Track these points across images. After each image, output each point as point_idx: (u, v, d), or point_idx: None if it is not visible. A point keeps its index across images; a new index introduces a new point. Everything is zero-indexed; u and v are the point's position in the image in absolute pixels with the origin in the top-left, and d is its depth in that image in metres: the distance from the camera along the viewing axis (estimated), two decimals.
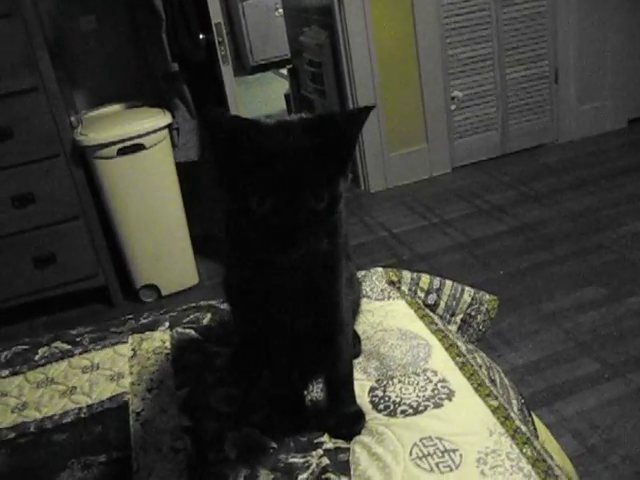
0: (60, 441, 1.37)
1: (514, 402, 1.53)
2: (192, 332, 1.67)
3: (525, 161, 4.27)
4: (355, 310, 1.46)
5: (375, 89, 3.94)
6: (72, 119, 3.12)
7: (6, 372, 1.63)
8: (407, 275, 1.79)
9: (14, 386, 1.58)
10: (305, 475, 1.16)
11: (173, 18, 3.09)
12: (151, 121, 3.04)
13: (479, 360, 1.55)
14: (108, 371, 1.57)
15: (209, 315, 1.73)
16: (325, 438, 1.25)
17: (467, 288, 1.80)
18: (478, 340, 1.80)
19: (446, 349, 1.46)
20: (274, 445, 1.25)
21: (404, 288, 1.75)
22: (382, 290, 1.70)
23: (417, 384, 1.33)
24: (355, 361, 1.42)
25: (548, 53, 4.23)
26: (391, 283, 1.76)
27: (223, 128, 1.00)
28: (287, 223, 0.98)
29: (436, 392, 1.30)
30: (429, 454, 1.15)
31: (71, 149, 2.96)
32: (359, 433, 1.25)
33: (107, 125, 3.07)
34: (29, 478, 1.30)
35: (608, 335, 2.54)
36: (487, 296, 1.81)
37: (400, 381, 1.35)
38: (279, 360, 1.29)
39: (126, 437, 1.35)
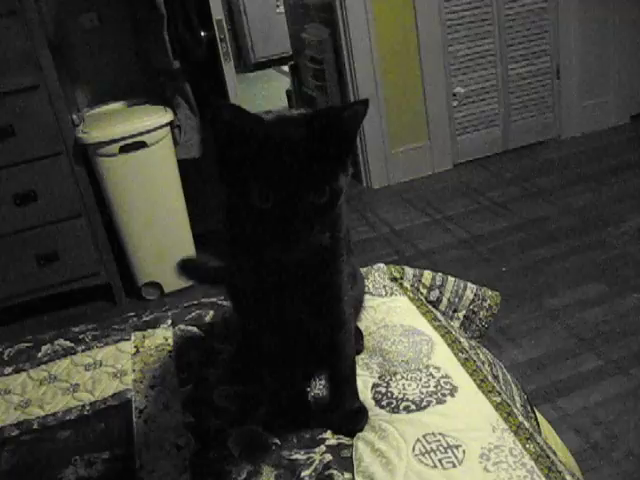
0: (63, 438, 1.37)
1: (517, 398, 1.53)
2: (194, 329, 1.67)
3: (527, 157, 4.27)
4: (358, 306, 1.46)
5: (377, 86, 3.94)
6: (74, 117, 3.12)
7: (9, 369, 1.63)
8: (409, 271, 1.79)
9: (17, 383, 1.58)
10: (308, 471, 1.16)
11: (174, 15, 3.09)
12: (153, 119, 3.04)
13: (482, 356, 1.55)
14: (111, 368, 1.57)
15: (211, 312, 1.73)
16: (328, 434, 1.25)
17: (469, 284, 1.80)
18: (481, 336, 1.80)
19: (449, 345, 1.46)
20: (277, 441, 1.25)
21: (406, 284, 1.75)
22: (384, 286, 1.70)
23: (420, 380, 1.33)
24: (358, 357, 1.42)
25: (550, 49, 4.22)
26: (393, 279, 1.76)
27: (225, 120, 1.00)
28: (288, 217, 0.98)
29: (439, 388, 1.30)
30: (432, 450, 1.15)
31: (73, 147, 2.96)
32: (362, 429, 1.24)
33: (109, 123, 3.07)
34: (32, 475, 1.30)
35: (611, 331, 2.54)
36: (489, 292, 1.81)
37: (403, 377, 1.35)
38: (281, 357, 1.29)
39: (129, 434, 1.35)
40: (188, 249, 3.30)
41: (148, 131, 3.01)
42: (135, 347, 1.63)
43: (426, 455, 1.14)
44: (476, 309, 1.77)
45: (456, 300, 1.76)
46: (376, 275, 1.75)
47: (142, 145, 3.01)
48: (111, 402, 1.46)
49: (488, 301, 1.79)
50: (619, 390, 2.25)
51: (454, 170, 4.25)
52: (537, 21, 4.13)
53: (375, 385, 1.35)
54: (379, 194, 4.11)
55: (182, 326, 1.69)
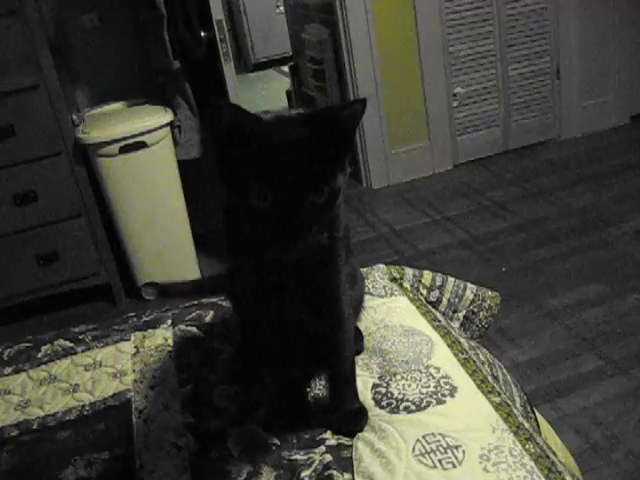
0: (63, 438, 1.37)
1: (517, 398, 1.53)
2: (194, 330, 1.67)
3: (527, 158, 4.26)
4: (358, 307, 1.46)
5: (377, 86, 3.94)
6: (74, 117, 3.12)
7: (9, 370, 1.63)
8: (409, 272, 1.79)
9: (17, 384, 1.58)
10: (308, 472, 1.16)
11: (174, 15, 3.09)
12: (153, 119, 3.04)
13: (482, 356, 1.55)
14: (111, 369, 1.57)
15: (211, 313, 1.72)
16: (328, 435, 1.25)
17: (469, 285, 1.80)
18: (481, 337, 1.80)
19: (449, 346, 1.46)
20: (277, 442, 1.25)
21: (406, 285, 1.75)
22: (384, 287, 1.70)
23: (420, 380, 1.33)
24: (358, 358, 1.42)
25: (550, 49, 4.22)
26: (393, 280, 1.76)
27: (225, 119, 1.00)
28: (287, 217, 0.98)
29: (439, 388, 1.30)
30: (432, 450, 1.15)
31: (73, 147, 2.96)
32: (362, 430, 1.24)
33: (109, 123, 3.07)
34: (32, 475, 1.30)
35: (611, 331, 2.53)
36: (489, 292, 1.81)
37: (403, 377, 1.35)
38: (281, 357, 1.29)
39: (129, 434, 1.35)
40: (188, 249, 3.31)
41: (148, 131, 3.01)
42: (135, 347, 1.63)
43: (426, 455, 1.14)
44: (476, 309, 1.77)
45: (456, 300, 1.76)
46: (376, 275, 1.75)
47: (142, 145, 3.01)
48: (111, 402, 1.46)
49: (488, 301, 1.79)
50: (619, 390, 2.25)
51: (454, 170, 4.25)
52: (537, 21, 4.13)
53: (375, 385, 1.35)
54: (379, 194, 4.11)
55: (182, 326, 1.68)
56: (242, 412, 1.34)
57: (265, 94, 6.93)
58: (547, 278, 2.94)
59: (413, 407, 1.26)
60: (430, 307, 1.68)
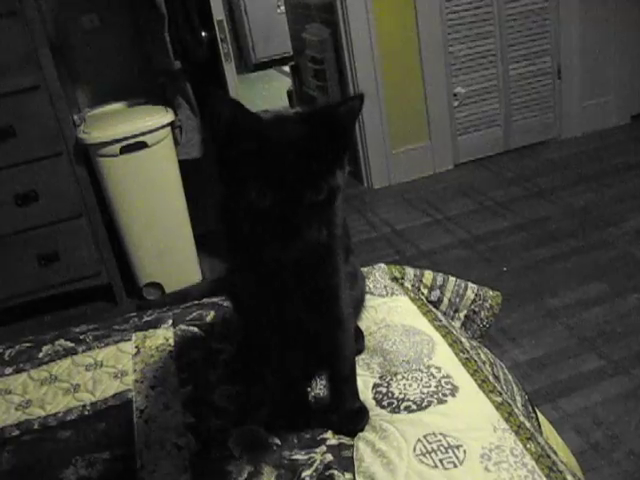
0: (64, 438, 1.37)
1: (518, 398, 1.53)
2: (195, 329, 1.66)
3: (528, 157, 4.26)
4: (359, 306, 1.46)
5: (377, 86, 3.94)
6: (75, 117, 3.13)
7: (10, 370, 1.63)
8: (410, 271, 1.79)
9: (18, 384, 1.58)
10: (309, 472, 1.16)
11: (175, 15, 3.09)
12: (154, 119, 3.04)
13: (483, 356, 1.55)
14: (111, 369, 1.57)
15: (212, 312, 1.72)
16: (329, 434, 1.25)
17: (470, 284, 1.80)
18: (482, 336, 1.80)
19: (450, 345, 1.46)
20: (278, 442, 1.25)
21: (407, 284, 1.75)
22: (385, 286, 1.70)
23: (421, 380, 1.33)
24: (358, 357, 1.42)
25: (551, 49, 4.22)
26: (394, 279, 1.76)
27: (224, 113, 1.00)
28: (287, 216, 0.98)
29: (440, 388, 1.30)
30: (433, 450, 1.15)
31: (74, 147, 2.97)
32: (363, 429, 1.24)
33: (110, 123, 3.07)
34: (33, 475, 1.30)
35: (612, 331, 2.53)
36: (490, 292, 1.81)
37: (404, 377, 1.35)
38: (281, 357, 1.28)
39: (130, 434, 1.34)
40: (189, 249, 3.31)
41: (149, 131, 3.01)
42: (136, 347, 1.63)
43: (427, 455, 1.14)
44: (477, 309, 1.77)
45: (457, 300, 1.76)
46: (377, 275, 1.75)
47: (143, 145, 3.01)
48: (112, 402, 1.46)
49: (489, 301, 1.79)
50: (620, 390, 2.25)
51: (455, 170, 4.25)
52: (538, 21, 4.13)
53: (376, 385, 1.35)
54: (380, 194, 4.10)
55: (183, 326, 1.68)
56: (243, 412, 1.34)
57: (266, 94, 6.93)
58: (548, 278, 2.94)
59: (414, 407, 1.26)
60: (431, 307, 1.68)
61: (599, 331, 2.54)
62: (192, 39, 3.15)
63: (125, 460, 1.28)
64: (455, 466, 1.12)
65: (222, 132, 1.01)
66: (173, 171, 3.17)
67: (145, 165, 3.05)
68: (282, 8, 6.80)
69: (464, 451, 1.14)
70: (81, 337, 1.72)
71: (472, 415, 1.24)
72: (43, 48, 2.81)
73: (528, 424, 1.24)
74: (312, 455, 1.20)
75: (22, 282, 3.10)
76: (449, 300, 1.75)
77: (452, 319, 1.74)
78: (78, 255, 3.12)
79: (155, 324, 1.72)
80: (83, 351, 1.65)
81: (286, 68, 6.66)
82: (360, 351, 1.45)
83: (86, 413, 1.44)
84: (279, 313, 1.19)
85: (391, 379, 1.35)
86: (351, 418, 1.26)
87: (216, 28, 2.94)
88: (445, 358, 1.41)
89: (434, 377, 1.34)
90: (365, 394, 1.32)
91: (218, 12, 2.93)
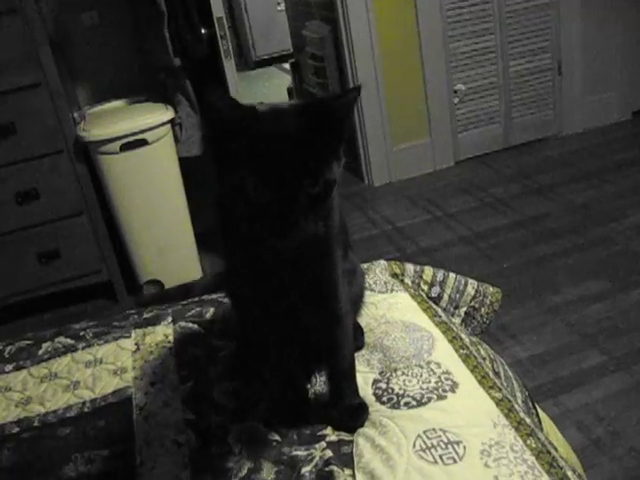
0: (63, 435, 1.37)
1: (518, 394, 1.53)
2: (195, 326, 1.66)
3: (529, 154, 4.26)
4: (359, 302, 1.46)
5: (378, 83, 3.93)
6: (75, 115, 3.12)
7: (10, 367, 1.63)
8: (410, 268, 1.79)
9: (18, 381, 1.58)
10: (308, 468, 1.16)
11: (175, 12, 3.09)
12: (154, 116, 3.04)
13: (483, 352, 1.54)
14: (111, 365, 1.57)
15: (212, 309, 1.72)
16: (328, 430, 1.24)
17: (471, 280, 1.79)
18: (482, 332, 1.80)
19: (450, 341, 1.46)
20: (277, 438, 1.25)
21: (407, 281, 1.75)
22: (385, 283, 1.70)
23: (420, 376, 1.33)
24: (358, 353, 1.42)
25: (551, 45, 4.21)
26: (394, 276, 1.76)
27: (221, 111, 1.00)
28: (283, 209, 0.98)
29: (440, 384, 1.30)
30: (433, 446, 1.15)
31: (74, 145, 2.96)
32: (362, 425, 1.24)
33: (110, 121, 3.07)
34: (33, 472, 1.29)
35: (613, 327, 2.53)
36: (491, 288, 1.81)
37: (403, 373, 1.35)
38: (280, 353, 1.28)
39: (129, 431, 1.34)
40: (189, 247, 3.31)
41: (149, 129, 3.01)
42: (135, 344, 1.63)
43: (427, 451, 1.14)
44: (477, 305, 1.77)
45: (457, 296, 1.75)
46: (377, 271, 1.75)
47: (143, 143, 3.00)
48: (111, 399, 1.46)
49: (489, 297, 1.79)
50: (621, 386, 2.25)
51: (455, 167, 4.25)
52: (538, 17, 4.12)
53: (376, 381, 1.35)
54: (380, 191, 4.10)
55: (182, 323, 1.68)
56: (242, 408, 1.34)
57: (266, 91, 6.92)
58: (549, 274, 2.94)
59: (414, 403, 1.26)
60: (431, 303, 1.67)
61: (600, 327, 2.54)
62: (192, 36, 3.15)
63: (125, 457, 1.28)
64: (455, 462, 1.11)
65: (218, 126, 1.01)
66: (173, 168, 3.17)
67: (145, 162, 3.05)
68: (282, 5, 6.79)
69: (464, 447, 1.14)
70: (81, 334, 1.72)
71: (472, 411, 1.24)
72: (43, 46, 2.81)
73: (528, 420, 1.24)
74: (312, 451, 1.19)
75: (23, 280, 3.10)
76: (449, 296, 1.75)
77: (452, 315, 1.74)
78: (79, 253, 3.12)
79: (155, 321, 1.71)
80: (83, 348, 1.65)
81: (286, 65, 6.65)
82: (360, 347, 1.45)
83: (86, 410, 1.44)
84: (277, 309, 1.19)
85: (391, 375, 1.35)
86: (351, 414, 1.26)
87: (216, 25, 2.94)
88: (445, 354, 1.41)
89: (434, 373, 1.33)
90: (365, 390, 1.32)
91: (218, 9, 2.93)
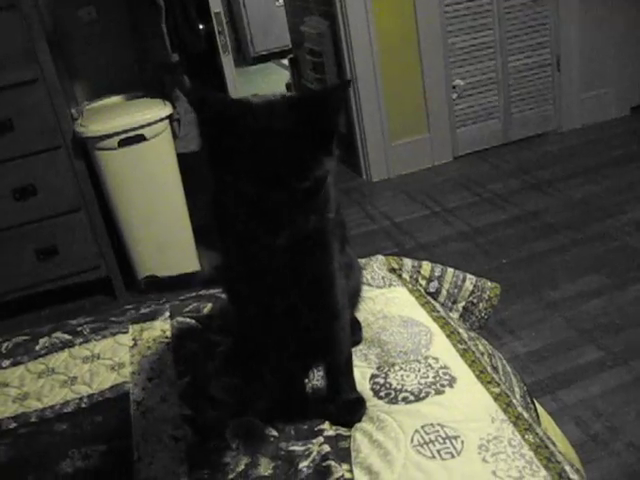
0: (61, 431, 1.37)
1: (516, 389, 1.53)
2: (192, 321, 1.66)
3: (527, 149, 4.26)
4: (356, 296, 1.46)
5: (376, 78, 3.93)
6: (73, 111, 3.12)
7: (7, 362, 1.63)
8: (408, 263, 1.78)
9: (15, 376, 1.57)
10: (306, 463, 1.16)
11: (172, 8, 3.08)
12: (152, 112, 3.03)
13: (481, 347, 1.54)
14: (109, 361, 1.57)
15: (209, 304, 1.72)
16: (326, 425, 1.24)
17: (469, 276, 1.79)
18: (480, 328, 1.80)
19: (447, 336, 1.45)
20: (275, 433, 1.25)
21: (405, 276, 1.75)
22: (383, 277, 1.70)
23: (418, 371, 1.33)
24: (356, 348, 1.42)
25: (550, 41, 4.20)
26: (392, 270, 1.75)
27: (208, 107, 1.00)
28: (274, 203, 0.97)
29: (437, 379, 1.30)
30: (430, 441, 1.15)
31: (72, 141, 2.96)
32: (360, 420, 1.24)
33: (108, 116, 3.06)
34: (30, 468, 1.29)
35: (611, 323, 2.53)
36: (489, 283, 1.80)
37: (401, 368, 1.34)
38: (277, 348, 1.28)
39: (127, 426, 1.34)
40: (188, 242, 3.30)
41: (147, 124, 3.00)
42: (133, 339, 1.63)
43: (424, 446, 1.14)
44: (475, 300, 1.77)
45: (455, 291, 1.75)
46: (375, 266, 1.75)
47: (141, 139, 3.00)
48: (109, 395, 1.46)
49: (487, 292, 1.78)
50: (619, 382, 2.24)
51: (454, 162, 4.25)
52: (537, 13, 4.12)
53: (373, 376, 1.35)
54: (379, 187, 4.10)
55: (180, 318, 1.68)
56: (240, 404, 1.34)
57: (265, 87, 6.91)
58: (547, 270, 2.94)
59: (412, 397, 1.26)
60: (429, 298, 1.67)
61: (598, 323, 2.54)
62: (190, 32, 3.15)
63: (122, 452, 1.28)
64: (453, 457, 1.11)
65: (209, 120, 1.01)
66: (171, 164, 3.16)
67: (143, 158, 3.04)
68: (281, 1, 6.78)
69: (462, 442, 1.14)
70: (78, 329, 1.71)
71: (470, 406, 1.24)
72: (41, 41, 2.80)
73: (526, 415, 1.24)
74: (309, 446, 1.19)
75: (21, 276, 3.09)
76: (447, 291, 1.75)
77: (450, 310, 1.73)
78: (77, 249, 3.11)
79: (152, 316, 1.71)
80: (80, 343, 1.65)
81: (285, 61, 6.65)
82: (358, 342, 1.45)
83: (83, 405, 1.44)
84: (274, 304, 1.19)
85: (389, 370, 1.35)
86: (348, 409, 1.26)
87: (214, 20, 2.93)
88: (443, 349, 1.41)
89: (432, 368, 1.33)
90: (363, 385, 1.32)
91: (215, 4, 2.93)
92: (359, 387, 1.30)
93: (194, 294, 1.80)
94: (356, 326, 1.47)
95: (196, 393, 1.40)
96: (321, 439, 1.21)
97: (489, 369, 1.38)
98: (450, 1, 3.93)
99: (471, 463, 1.10)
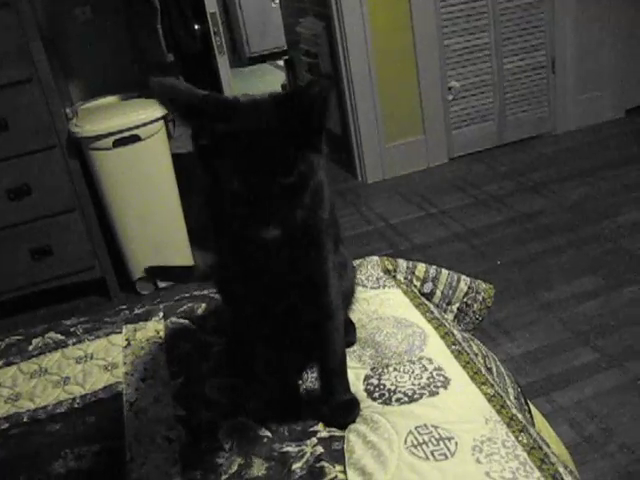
0: (53, 431, 1.37)
1: (510, 390, 1.53)
2: (186, 322, 1.66)
3: (522, 151, 4.26)
4: (349, 297, 1.46)
5: (371, 79, 3.93)
6: (67, 111, 3.11)
7: (0, 363, 1.62)
8: (403, 264, 1.78)
9: (8, 377, 1.57)
10: (299, 464, 1.15)
11: (168, 8, 3.08)
12: (147, 112, 3.03)
13: (475, 348, 1.54)
14: (102, 361, 1.57)
15: (203, 305, 1.72)
16: (319, 426, 1.24)
17: (463, 277, 1.79)
18: (474, 329, 1.80)
19: (442, 337, 1.45)
20: (268, 434, 1.24)
21: (400, 277, 1.75)
22: (377, 278, 1.70)
23: (412, 372, 1.32)
24: (350, 349, 1.42)
25: (545, 43, 4.21)
26: (387, 272, 1.75)
27: (180, 102, 1.02)
28: (257, 198, 0.98)
29: (431, 380, 1.30)
30: (424, 442, 1.15)
31: (67, 141, 2.95)
32: (354, 421, 1.24)
33: (103, 116, 3.05)
34: (22, 468, 1.29)
35: (605, 324, 2.53)
36: (483, 285, 1.80)
37: (395, 369, 1.34)
38: (271, 349, 1.28)
39: (120, 427, 1.34)
40: (182, 243, 3.30)
41: (142, 125, 2.99)
42: (126, 340, 1.63)
43: (418, 447, 1.14)
44: (470, 302, 1.77)
45: (450, 292, 1.75)
46: (369, 267, 1.74)
47: (136, 139, 2.99)
48: (102, 395, 1.46)
49: (482, 294, 1.79)
50: (614, 383, 2.25)
51: (449, 164, 4.25)
52: (533, 14, 4.12)
53: (367, 377, 1.34)
54: (374, 188, 4.10)
55: (174, 319, 1.68)
56: (233, 404, 1.34)
57: (260, 88, 6.88)
58: (542, 271, 2.94)
59: (405, 399, 1.26)
60: (423, 299, 1.67)
61: (593, 324, 2.54)
62: (185, 32, 3.14)
63: (115, 453, 1.28)
64: (446, 458, 1.11)
65: (195, 119, 1.02)
66: (166, 164, 3.16)
67: (138, 158, 3.04)
68: (277, 1, 6.78)
69: (455, 443, 1.14)
70: (71, 330, 1.71)
71: (464, 407, 1.24)
72: (35, 40, 2.79)
73: (520, 416, 1.24)
74: (303, 447, 1.19)
75: (15, 276, 3.08)
76: (442, 292, 1.75)
77: (445, 311, 1.73)
78: (71, 249, 3.11)
79: (146, 317, 1.71)
80: (73, 344, 1.65)
81: (280, 62, 6.64)
82: (352, 343, 1.44)
83: (76, 406, 1.44)
84: (268, 304, 1.19)
85: (383, 371, 1.35)
86: (342, 410, 1.25)
87: (209, 21, 2.93)
88: (437, 350, 1.40)
89: (426, 369, 1.33)
90: (356, 386, 1.32)
91: (211, 4, 2.92)
92: (353, 388, 1.30)
93: (188, 295, 1.80)
94: (350, 327, 1.47)
95: (190, 394, 1.40)
96: (315, 440, 1.20)
97: (483, 370, 1.38)
98: (445, 3, 3.93)
99: (465, 464, 1.10)
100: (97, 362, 1.56)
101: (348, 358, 1.34)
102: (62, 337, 1.68)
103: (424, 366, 1.34)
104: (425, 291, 1.74)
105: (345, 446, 1.18)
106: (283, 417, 1.28)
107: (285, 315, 1.21)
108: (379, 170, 4.15)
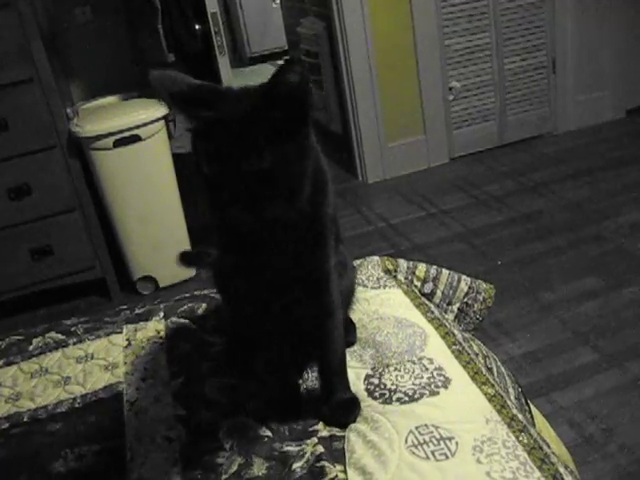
0: (54, 431, 1.37)
1: (511, 390, 1.53)
2: (187, 322, 1.66)
3: (523, 151, 4.26)
4: (349, 296, 1.45)
5: (372, 79, 3.93)
6: (68, 111, 3.11)
7: (0, 362, 1.62)
8: (403, 264, 1.78)
9: (8, 376, 1.57)
10: (300, 463, 1.15)
11: (169, 8, 3.08)
12: (147, 112, 3.03)
13: (475, 348, 1.54)
14: (102, 361, 1.57)
15: (204, 305, 1.72)
16: (320, 426, 1.24)
17: (464, 277, 1.79)
18: (475, 329, 1.80)
19: (442, 337, 1.45)
20: (268, 433, 1.24)
21: (400, 277, 1.75)
22: (378, 278, 1.70)
23: (413, 372, 1.32)
24: (351, 349, 1.42)
25: (546, 43, 4.21)
26: (387, 272, 1.75)
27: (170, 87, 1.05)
28: (228, 184, 1.00)
29: (432, 380, 1.30)
30: (425, 442, 1.14)
31: (67, 141, 2.95)
32: (354, 421, 1.24)
33: (103, 116, 3.05)
34: (22, 468, 1.29)
35: (606, 325, 2.53)
36: (484, 285, 1.80)
37: (396, 369, 1.34)
38: (271, 348, 1.28)
39: (120, 427, 1.34)
40: (183, 243, 3.29)
41: (142, 125, 2.99)
42: (127, 340, 1.63)
43: (419, 447, 1.14)
44: (470, 302, 1.77)
45: (450, 292, 1.75)
46: (370, 267, 1.74)
47: (136, 139, 2.99)
48: (102, 395, 1.46)
49: (482, 294, 1.78)
50: (614, 384, 2.24)
51: (450, 164, 4.24)
52: (533, 15, 4.12)
53: (368, 376, 1.34)
54: (374, 188, 4.10)
55: (174, 319, 1.68)
56: (234, 404, 1.34)
57: None
58: (542, 271, 2.94)
59: (406, 398, 1.26)
60: (424, 299, 1.67)
61: (593, 325, 2.54)
62: (186, 32, 3.14)
63: (115, 453, 1.27)
64: (447, 458, 1.11)
65: (180, 104, 1.05)
66: (167, 164, 3.15)
67: (139, 158, 3.04)
68: (277, 1, 6.78)
69: (456, 443, 1.14)
70: (72, 329, 1.71)
71: (464, 407, 1.24)
72: (36, 41, 2.79)
73: (521, 416, 1.24)
74: (303, 447, 1.19)
75: (15, 276, 3.08)
76: (442, 292, 1.75)
77: (445, 311, 1.73)
78: (72, 249, 3.10)
79: (146, 316, 1.71)
80: (74, 343, 1.65)
81: (281, 62, 6.64)
82: (352, 343, 1.44)
83: (76, 405, 1.44)
84: (268, 302, 1.19)
85: (383, 371, 1.35)
86: (342, 410, 1.25)
87: (210, 21, 2.93)
88: (438, 350, 1.40)
89: (426, 369, 1.33)
90: (357, 385, 1.32)
91: (212, 5, 2.93)
92: (353, 388, 1.30)
93: (188, 294, 1.80)
94: (350, 327, 1.47)
95: (190, 393, 1.40)
96: (315, 440, 1.20)
97: (484, 370, 1.38)
98: (446, 3, 3.93)
99: (465, 464, 1.10)
100: (97, 362, 1.56)
101: (349, 358, 1.34)
102: (63, 337, 1.68)
103: (425, 366, 1.34)
104: (426, 291, 1.74)
105: (345, 446, 1.18)
106: (283, 417, 1.28)
107: (285, 312, 1.21)
108: (380, 170, 4.15)
